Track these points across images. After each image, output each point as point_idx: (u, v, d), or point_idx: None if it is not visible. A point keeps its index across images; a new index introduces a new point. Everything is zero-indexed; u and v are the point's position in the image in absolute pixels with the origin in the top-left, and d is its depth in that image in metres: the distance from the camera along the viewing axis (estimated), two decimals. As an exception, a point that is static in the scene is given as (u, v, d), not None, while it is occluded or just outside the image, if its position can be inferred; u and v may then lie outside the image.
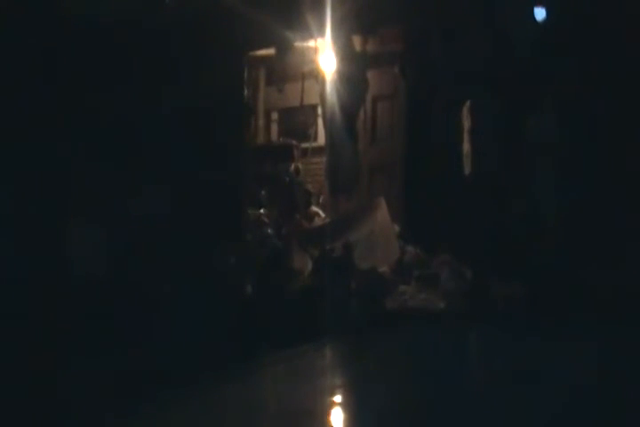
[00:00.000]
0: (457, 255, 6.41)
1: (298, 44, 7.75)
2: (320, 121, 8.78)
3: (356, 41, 7.72)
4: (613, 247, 5.71)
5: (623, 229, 5.79)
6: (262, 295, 5.54)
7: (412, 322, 5.54)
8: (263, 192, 7.92)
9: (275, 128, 9.74)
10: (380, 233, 6.90)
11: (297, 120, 9.47)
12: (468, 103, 6.96)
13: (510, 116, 6.42)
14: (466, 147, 7.03)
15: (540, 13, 6.20)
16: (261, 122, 9.58)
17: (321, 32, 7.04)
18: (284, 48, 7.72)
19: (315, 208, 8.39)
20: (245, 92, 7.50)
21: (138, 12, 5.22)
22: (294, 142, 8.98)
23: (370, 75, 7.84)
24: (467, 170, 6.98)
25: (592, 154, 6.01)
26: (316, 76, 8.23)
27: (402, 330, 5.39)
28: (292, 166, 8.62)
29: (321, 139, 8.89)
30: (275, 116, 9.75)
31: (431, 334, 5.19)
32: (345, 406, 3.52)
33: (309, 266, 6.15)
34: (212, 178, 5.75)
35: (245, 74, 7.55)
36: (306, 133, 9.29)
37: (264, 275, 5.84)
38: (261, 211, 7.51)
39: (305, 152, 9.05)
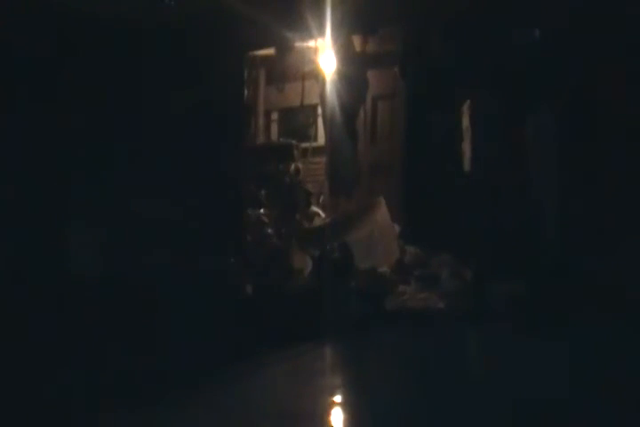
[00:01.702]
0: (457, 255, 6.40)
1: (298, 44, 7.75)
2: (320, 121, 8.79)
3: (356, 41, 7.72)
4: (614, 247, 5.72)
5: (623, 228, 5.79)
6: (262, 295, 5.54)
7: (412, 322, 5.53)
8: (263, 192, 7.92)
9: (275, 128, 9.74)
10: (380, 233, 6.90)
11: (297, 120, 9.47)
12: (467, 103, 6.96)
13: (510, 116, 6.42)
14: (466, 147, 7.03)
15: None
16: (261, 122, 9.58)
17: (321, 32, 7.04)
18: (284, 48, 7.73)
19: (315, 208, 8.39)
20: (245, 92, 7.50)
21: (137, 11, 5.22)
22: (294, 142, 8.98)
23: (370, 75, 7.84)
24: (466, 170, 6.98)
25: (592, 154, 6.02)
26: (316, 76, 8.23)
27: (402, 330, 5.39)
28: (292, 166, 8.61)
29: (321, 139, 8.90)
30: (275, 116, 9.75)
31: (431, 334, 5.19)
32: (345, 406, 3.52)
33: (309, 266, 6.14)
34: (212, 178, 5.75)
35: (245, 74, 7.55)
36: (306, 133, 9.29)
37: (264, 275, 5.83)
38: (261, 211, 7.51)
39: (305, 152, 9.05)
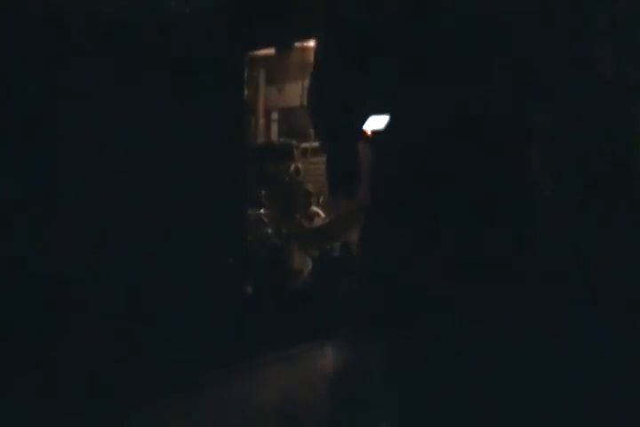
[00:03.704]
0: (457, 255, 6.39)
1: (298, 43, 7.75)
2: (320, 121, 8.77)
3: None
4: (612, 246, 5.71)
5: (623, 227, 5.79)
6: (262, 295, 5.54)
7: (412, 322, 5.52)
8: (263, 192, 7.92)
9: (275, 128, 9.74)
10: (380, 233, 6.89)
11: (297, 120, 9.46)
12: (468, 103, 6.95)
13: (510, 115, 6.41)
14: (466, 146, 7.01)
15: None
16: (261, 122, 9.58)
17: (321, 32, 7.01)
18: (284, 48, 7.73)
19: (315, 208, 8.38)
20: (245, 92, 7.50)
21: (138, 10, 5.22)
22: (294, 142, 8.96)
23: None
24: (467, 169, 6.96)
25: (592, 153, 6.01)
26: (317, 77, 8.21)
27: (401, 330, 5.38)
28: (292, 167, 8.61)
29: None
30: (275, 116, 9.74)
31: (431, 333, 5.19)
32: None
33: (309, 266, 6.14)
34: (212, 178, 5.75)
35: (245, 74, 7.55)
36: (306, 133, 9.29)
37: (264, 275, 5.83)
38: (261, 211, 7.50)
39: (305, 152, 9.04)
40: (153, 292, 4.94)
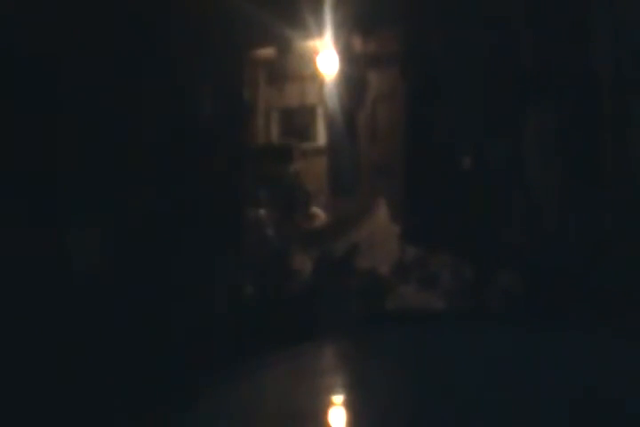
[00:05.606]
0: (457, 255, 6.40)
1: (298, 44, 7.76)
2: (320, 121, 8.79)
3: (356, 41, 7.72)
4: (614, 246, 5.71)
5: (623, 227, 5.79)
6: (262, 295, 5.53)
7: (412, 322, 5.53)
8: (263, 192, 7.92)
9: (275, 128, 9.73)
10: (379, 233, 6.91)
11: (297, 120, 9.46)
12: (469, 102, 6.95)
13: (511, 115, 6.42)
14: (467, 146, 7.03)
15: None
16: (261, 122, 9.57)
17: (321, 32, 7.05)
18: (284, 48, 7.74)
19: (315, 208, 8.38)
20: (245, 92, 7.51)
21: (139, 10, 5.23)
22: (294, 142, 8.97)
23: (370, 75, 7.85)
24: (467, 169, 6.98)
25: (591, 152, 6.01)
26: (316, 77, 8.24)
27: (402, 330, 5.38)
28: (292, 167, 8.61)
29: (321, 139, 8.90)
30: (275, 116, 9.74)
31: (431, 334, 5.19)
32: (345, 406, 3.52)
33: (309, 266, 6.15)
34: (213, 178, 5.75)
35: (245, 74, 7.56)
36: (306, 133, 9.29)
37: (264, 275, 5.83)
38: (261, 211, 7.50)
39: (305, 152, 9.04)
40: (153, 292, 4.94)
